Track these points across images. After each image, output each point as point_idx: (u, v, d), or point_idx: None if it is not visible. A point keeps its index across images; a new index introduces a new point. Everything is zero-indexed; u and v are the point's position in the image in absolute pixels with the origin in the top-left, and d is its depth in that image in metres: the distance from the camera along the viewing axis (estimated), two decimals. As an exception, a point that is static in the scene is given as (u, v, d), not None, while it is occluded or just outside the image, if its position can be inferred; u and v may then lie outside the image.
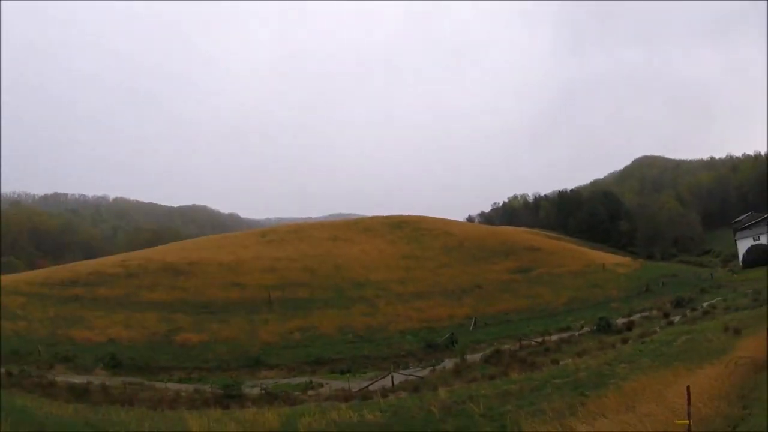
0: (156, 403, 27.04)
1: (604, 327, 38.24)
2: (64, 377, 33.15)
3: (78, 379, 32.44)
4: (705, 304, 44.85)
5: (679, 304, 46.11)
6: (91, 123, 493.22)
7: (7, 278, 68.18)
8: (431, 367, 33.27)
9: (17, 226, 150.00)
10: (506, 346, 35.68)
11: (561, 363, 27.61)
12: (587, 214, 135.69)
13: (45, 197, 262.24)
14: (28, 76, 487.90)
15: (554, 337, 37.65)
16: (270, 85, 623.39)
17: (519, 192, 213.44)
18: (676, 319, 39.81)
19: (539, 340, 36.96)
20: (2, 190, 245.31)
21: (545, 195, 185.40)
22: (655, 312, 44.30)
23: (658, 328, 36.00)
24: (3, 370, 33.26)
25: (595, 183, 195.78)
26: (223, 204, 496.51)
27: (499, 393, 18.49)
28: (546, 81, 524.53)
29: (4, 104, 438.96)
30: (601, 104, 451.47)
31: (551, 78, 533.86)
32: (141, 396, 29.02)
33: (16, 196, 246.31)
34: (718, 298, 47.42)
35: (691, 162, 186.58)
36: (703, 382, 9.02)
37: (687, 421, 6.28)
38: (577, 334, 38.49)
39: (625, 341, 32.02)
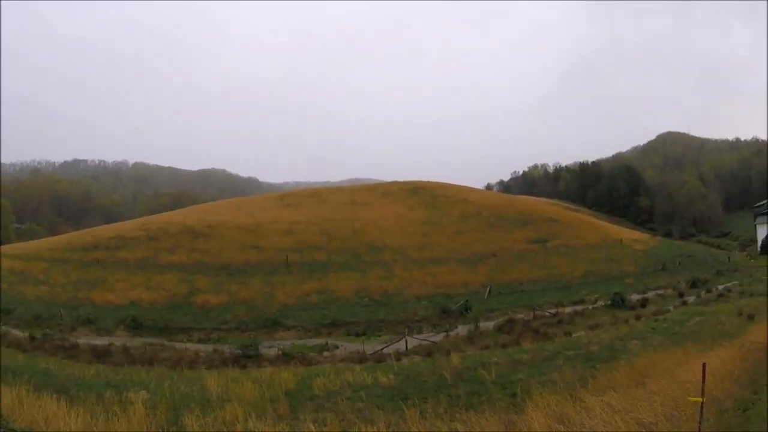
0: (176, 362, 27.77)
1: (619, 302, 38.17)
2: (86, 339, 34.20)
3: (99, 341, 33.52)
4: (720, 287, 44.49)
5: (694, 284, 45.67)
6: (108, 90, 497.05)
7: (29, 245, 70.03)
8: (445, 333, 33.73)
9: (38, 194, 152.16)
10: (520, 316, 35.84)
11: (573, 335, 27.73)
12: (607, 188, 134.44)
13: (65, 164, 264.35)
14: (42, 44, 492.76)
15: (568, 309, 37.58)
16: (289, 49, 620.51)
17: (539, 162, 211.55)
18: (691, 299, 39.55)
19: (553, 311, 37.00)
20: (22, 159, 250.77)
21: (566, 166, 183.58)
22: (669, 291, 43.93)
23: (672, 307, 35.78)
24: (27, 334, 34.53)
25: (618, 156, 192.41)
26: (241, 168, 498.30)
27: (510, 361, 18.69)
28: (567, 49, 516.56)
29: (20, 74, 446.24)
30: (625, 75, 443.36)
31: (572, 46, 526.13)
32: (161, 356, 29.82)
33: (36, 164, 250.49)
34: (734, 282, 47.00)
35: (715, 141, 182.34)
36: (714, 364, 9.13)
37: (700, 399, 6.36)
38: (590, 307, 38.39)
39: (638, 318, 31.92)
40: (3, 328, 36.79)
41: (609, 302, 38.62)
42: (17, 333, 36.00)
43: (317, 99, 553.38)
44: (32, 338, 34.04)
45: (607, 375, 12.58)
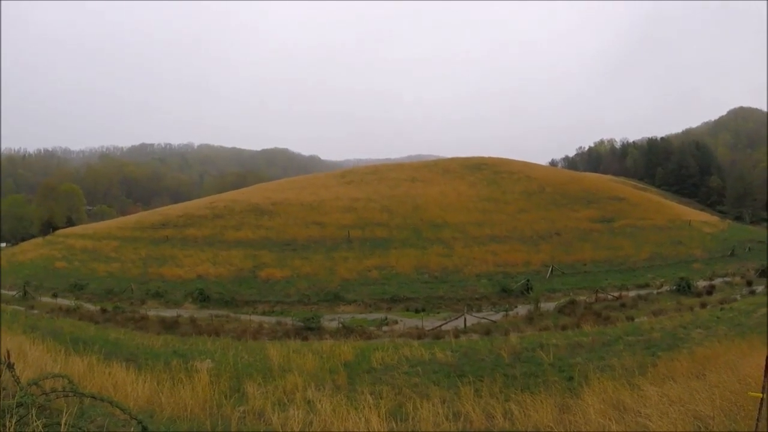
0: (240, 333, 28.93)
1: (684, 288, 36.57)
2: (155, 311, 36.18)
3: (168, 313, 35.37)
4: (791, 278, 41.99)
5: (763, 273, 42.35)
6: (172, 76, 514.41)
7: (101, 225, 74.61)
8: (504, 312, 33.48)
9: (108, 177, 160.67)
10: (582, 298, 35.02)
11: (636, 320, 27.10)
12: (676, 165, 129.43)
13: (132, 148, 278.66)
14: (108, 36, 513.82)
15: (632, 293, 36.44)
16: (343, 27, 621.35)
17: (606, 137, 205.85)
18: (759, 289, 37.12)
19: (616, 294, 36.00)
20: (91, 146, 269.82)
21: (634, 142, 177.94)
22: (738, 279, 41.60)
23: (738, 296, 34.05)
24: (99, 307, 37.33)
25: (688, 132, 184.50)
26: (303, 147, 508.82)
27: (570, 344, 18.53)
28: (632, 15, 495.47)
29: (85, 65, 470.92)
30: (695, 45, 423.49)
31: (638, 12, 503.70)
32: (227, 327, 31.09)
33: (104, 149, 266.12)
34: (806, 274, 44.22)
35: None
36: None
37: (761, 395, 6.18)
38: (655, 292, 36.97)
39: (703, 305, 30.78)
40: (75, 302, 39.40)
41: (674, 287, 37.12)
42: (90, 306, 38.53)
43: (376, 77, 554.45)
44: (104, 311, 36.42)
45: (668, 364, 12.36)
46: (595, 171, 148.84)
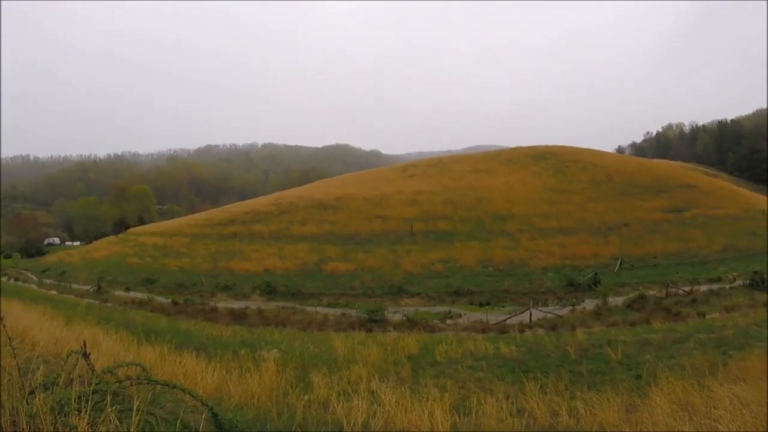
0: (306, 325, 29.60)
1: (758, 283, 34.24)
2: (224, 303, 37.60)
3: (237, 305, 36.59)
4: None
5: None
6: (234, 81, 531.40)
7: (171, 223, 78.17)
8: (571, 307, 32.74)
9: (176, 178, 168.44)
10: (651, 292, 33.88)
11: (707, 317, 26.14)
12: (748, 150, 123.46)
13: (199, 150, 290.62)
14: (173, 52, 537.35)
15: (703, 288, 34.84)
16: (400, 19, 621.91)
17: (674, 120, 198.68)
18: None
19: (687, 289, 34.46)
20: (159, 149, 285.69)
21: (703, 125, 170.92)
22: None
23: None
24: (170, 300, 38.98)
25: (759, 113, 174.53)
26: (364, 142, 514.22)
27: (638, 341, 18.09)
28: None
29: (153, 73, 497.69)
30: (760, 16, 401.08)
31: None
32: (293, 319, 31.86)
33: (172, 152, 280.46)
34: None
35: None
36: None
37: None
38: (728, 287, 35.11)
39: (779, 301, 29.33)
40: (148, 295, 41.50)
41: (748, 282, 35.08)
42: (161, 299, 40.36)
43: (432, 70, 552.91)
44: (175, 303, 38.05)
45: (739, 364, 11.94)
46: (664, 157, 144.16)
